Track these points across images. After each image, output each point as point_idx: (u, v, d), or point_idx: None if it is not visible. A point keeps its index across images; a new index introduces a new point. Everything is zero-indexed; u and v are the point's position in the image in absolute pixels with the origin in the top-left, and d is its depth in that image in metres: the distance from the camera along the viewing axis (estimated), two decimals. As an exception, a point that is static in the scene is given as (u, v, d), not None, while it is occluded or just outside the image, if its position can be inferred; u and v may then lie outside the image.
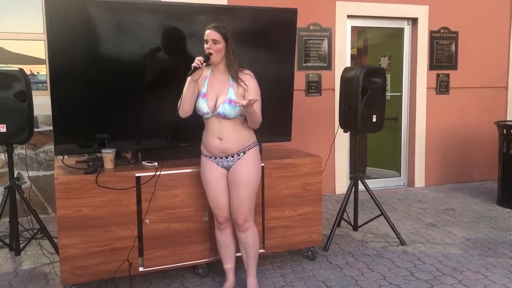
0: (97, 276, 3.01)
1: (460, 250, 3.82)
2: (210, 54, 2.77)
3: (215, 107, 2.80)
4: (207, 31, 2.78)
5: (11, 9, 4.79)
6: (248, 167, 2.87)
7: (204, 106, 2.82)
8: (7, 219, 3.73)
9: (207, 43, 2.78)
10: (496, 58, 6.15)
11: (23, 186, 4.46)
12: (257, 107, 2.78)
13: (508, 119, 6.16)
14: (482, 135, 6.13)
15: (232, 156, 2.86)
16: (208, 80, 2.88)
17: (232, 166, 2.88)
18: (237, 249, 3.12)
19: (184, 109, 2.87)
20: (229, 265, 3.10)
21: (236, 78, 2.79)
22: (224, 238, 3.06)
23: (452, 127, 6.08)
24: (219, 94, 2.82)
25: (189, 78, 2.78)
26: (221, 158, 2.88)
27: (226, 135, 2.83)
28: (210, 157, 2.93)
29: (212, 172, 2.93)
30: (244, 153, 2.87)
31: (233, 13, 3.61)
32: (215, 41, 2.75)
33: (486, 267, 3.48)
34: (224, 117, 2.78)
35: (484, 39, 6.06)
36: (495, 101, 6.22)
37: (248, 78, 2.82)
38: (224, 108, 2.76)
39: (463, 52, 6.00)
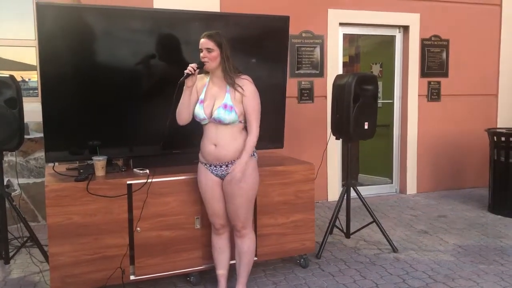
0: (87, 284, 2.98)
1: (452, 257, 3.83)
2: (206, 62, 2.77)
3: (211, 113, 2.80)
4: (202, 40, 2.78)
5: (2, 16, 4.76)
6: (242, 177, 2.83)
7: (201, 112, 2.82)
8: (-3, 227, 3.68)
9: (202, 51, 2.78)
10: (487, 66, 6.21)
11: (13, 193, 4.42)
12: (254, 115, 2.80)
13: (498, 126, 6.20)
14: (473, 142, 6.17)
15: (226, 165, 2.85)
16: (206, 87, 2.88)
17: (226, 176, 2.86)
18: (232, 257, 3.11)
19: (181, 116, 2.87)
20: (221, 271, 3.08)
21: (232, 84, 2.79)
22: (220, 242, 3.05)
23: (444, 134, 6.12)
24: (216, 100, 2.81)
25: (184, 85, 2.77)
26: (215, 166, 2.87)
27: (221, 142, 2.81)
28: (205, 164, 2.92)
29: (207, 180, 2.92)
30: None
31: (225, 20, 3.62)
32: (209, 50, 2.76)
33: (478, 274, 3.49)
34: (220, 122, 2.77)
35: (475, 47, 6.12)
36: (486, 108, 6.28)
37: (245, 83, 2.81)
38: (219, 113, 2.76)
39: (454, 59, 6.05)
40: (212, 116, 2.78)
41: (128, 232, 3.04)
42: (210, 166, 2.89)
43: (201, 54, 2.78)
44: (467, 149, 6.22)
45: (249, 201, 2.92)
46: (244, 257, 2.99)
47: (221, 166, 2.86)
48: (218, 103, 2.78)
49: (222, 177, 2.89)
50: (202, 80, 2.89)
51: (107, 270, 2.99)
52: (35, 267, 3.55)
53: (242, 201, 2.87)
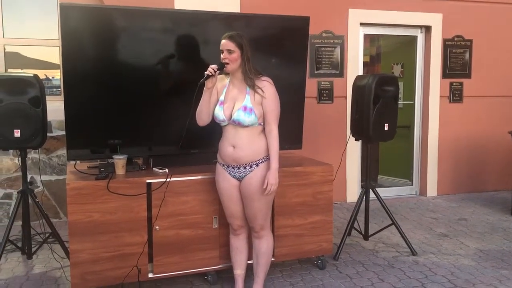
0: (107, 281, 3.02)
1: (472, 261, 3.77)
2: (226, 63, 2.77)
3: (231, 115, 2.80)
4: (223, 41, 2.78)
5: (27, 16, 4.86)
6: (261, 180, 2.82)
7: (220, 114, 2.83)
8: (20, 223, 3.76)
9: (222, 53, 2.78)
10: (511, 67, 6.08)
11: (36, 190, 4.51)
12: (274, 118, 2.81)
13: (522, 128, 6.08)
14: (496, 145, 6.05)
15: (244, 167, 2.85)
16: (227, 89, 2.88)
17: (244, 178, 2.87)
18: (250, 257, 3.12)
19: (201, 117, 2.88)
20: (239, 271, 3.09)
21: (252, 86, 2.78)
22: (238, 243, 3.06)
23: (465, 136, 6.02)
24: (236, 102, 2.82)
25: (204, 87, 2.78)
26: (233, 168, 2.87)
27: (240, 144, 2.81)
28: (223, 165, 2.92)
29: (225, 182, 2.92)
30: (257, 165, 2.84)
31: (246, 20, 3.62)
32: (229, 51, 2.76)
33: (500, 279, 3.43)
34: (239, 124, 2.77)
35: (499, 47, 6.00)
36: (510, 110, 6.15)
37: (266, 85, 2.81)
38: (238, 115, 2.76)
39: (477, 60, 5.95)
40: (232, 118, 2.79)
41: (147, 230, 3.07)
42: (228, 167, 2.89)
43: (222, 55, 2.79)
44: (489, 152, 6.11)
45: (268, 203, 2.92)
46: (262, 258, 3.00)
47: (239, 168, 2.86)
48: (238, 105, 2.79)
49: (239, 179, 2.89)
50: (222, 81, 2.90)
51: (126, 267, 3.03)
52: (56, 263, 3.62)
53: (261, 204, 2.88)
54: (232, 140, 2.83)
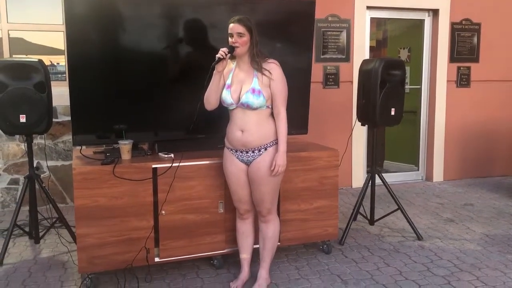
0: (113, 265, 3.05)
1: (478, 246, 3.76)
2: (236, 47, 2.75)
3: (239, 98, 2.79)
4: (232, 25, 2.75)
5: (31, 1, 4.83)
6: (269, 165, 2.82)
7: (228, 97, 2.81)
8: (27, 208, 3.79)
9: (232, 36, 2.75)
10: (520, 51, 6.01)
11: (42, 175, 4.53)
12: (282, 99, 2.80)
13: (530, 113, 6.02)
14: (504, 130, 6.01)
15: (253, 151, 2.84)
16: (233, 72, 2.87)
17: (252, 162, 2.86)
18: (256, 241, 3.13)
19: (209, 101, 2.86)
20: (245, 255, 3.10)
21: (260, 69, 2.77)
22: (244, 227, 3.07)
23: (473, 121, 5.97)
24: (243, 85, 2.80)
25: (215, 71, 2.76)
26: (241, 152, 2.86)
27: (248, 127, 2.80)
28: (231, 150, 2.92)
29: (232, 167, 2.92)
30: (266, 149, 2.84)
31: (251, 4, 3.57)
32: (240, 34, 2.73)
33: (506, 264, 3.42)
34: (248, 106, 2.76)
35: (508, 31, 5.91)
36: (518, 95, 6.09)
37: (273, 67, 2.80)
38: (247, 97, 2.75)
39: (485, 44, 5.87)
40: (240, 101, 2.77)
41: (153, 215, 3.09)
42: (237, 151, 2.88)
43: (231, 39, 2.76)
44: (497, 137, 6.06)
45: (275, 187, 2.92)
46: (268, 242, 3.00)
47: (247, 152, 2.85)
48: (246, 88, 2.77)
49: (248, 163, 2.89)
50: (228, 65, 2.88)
51: (132, 252, 3.05)
52: (63, 247, 3.65)
53: (268, 188, 2.88)
54: (241, 124, 2.81)
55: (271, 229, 2.99)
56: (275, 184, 2.90)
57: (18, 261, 3.47)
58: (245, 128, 2.81)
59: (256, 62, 2.77)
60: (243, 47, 2.75)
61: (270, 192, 2.90)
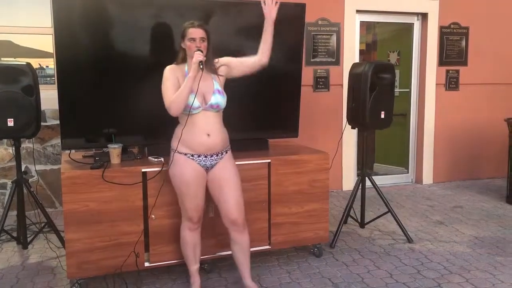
0: (103, 270, 3.02)
1: (468, 248, 3.79)
2: (201, 51, 2.67)
3: (204, 101, 2.74)
4: (193, 29, 2.70)
5: (19, 4, 4.79)
6: (233, 167, 2.85)
7: (195, 101, 2.68)
8: (15, 213, 3.75)
9: (193, 41, 2.70)
10: (508, 54, 6.07)
11: (30, 180, 4.49)
12: (240, 58, 2.87)
13: (518, 116, 6.08)
14: (492, 132, 6.06)
15: (216, 155, 2.80)
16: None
17: (215, 166, 2.81)
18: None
19: (180, 106, 2.67)
20: (197, 266, 3.00)
21: (215, 71, 2.81)
22: (196, 238, 2.95)
23: (461, 123, 6.02)
24: (205, 88, 2.73)
25: (191, 74, 2.64)
26: (205, 156, 2.78)
27: (214, 131, 2.76)
28: (190, 156, 2.78)
29: (194, 172, 2.78)
30: (226, 152, 2.85)
31: (241, 7, 3.58)
32: (203, 39, 2.71)
33: (495, 266, 3.45)
34: (217, 107, 2.75)
35: (495, 34, 5.98)
36: (506, 97, 6.14)
37: (219, 61, 2.84)
38: (216, 98, 2.74)
39: (473, 47, 5.93)
40: (209, 103, 2.72)
41: (143, 219, 3.06)
42: (199, 156, 2.77)
43: (193, 44, 2.69)
44: (485, 139, 6.12)
45: (241, 192, 2.89)
46: (248, 252, 2.91)
47: (211, 156, 2.79)
48: (210, 90, 2.75)
49: (209, 168, 2.81)
50: (181, 70, 2.80)
51: (122, 256, 3.02)
52: (52, 253, 3.61)
53: (239, 189, 2.85)
54: (205, 127, 2.74)
55: (247, 237, 2.89)
56: (240, 189, 2.87)
57: (5, 267, 3.42)
58: (211, 131, 2.75)
59: (210, 66, 2.78)
60: (205, 51, 2.71)
61: (241, 194, 2.86)
